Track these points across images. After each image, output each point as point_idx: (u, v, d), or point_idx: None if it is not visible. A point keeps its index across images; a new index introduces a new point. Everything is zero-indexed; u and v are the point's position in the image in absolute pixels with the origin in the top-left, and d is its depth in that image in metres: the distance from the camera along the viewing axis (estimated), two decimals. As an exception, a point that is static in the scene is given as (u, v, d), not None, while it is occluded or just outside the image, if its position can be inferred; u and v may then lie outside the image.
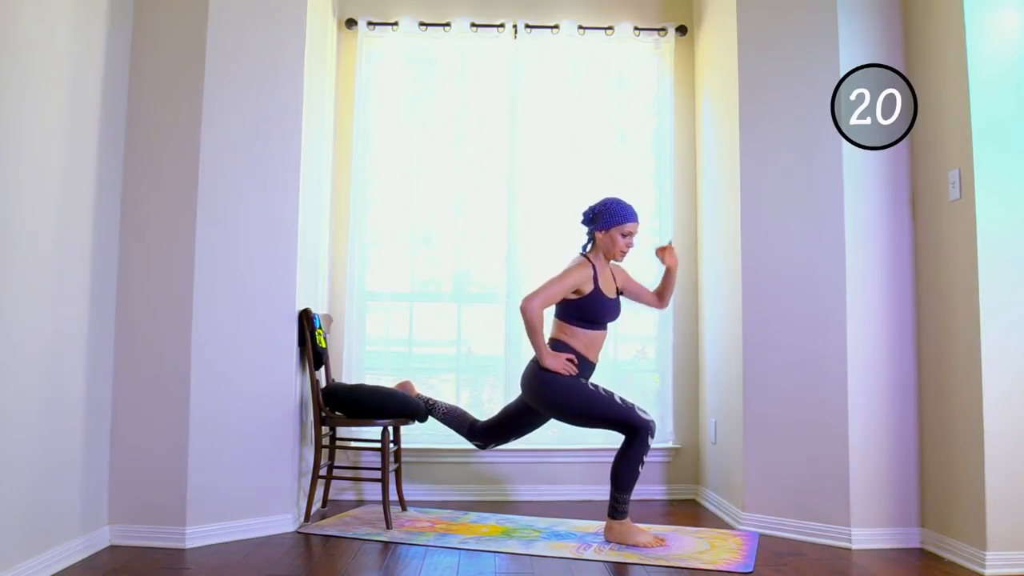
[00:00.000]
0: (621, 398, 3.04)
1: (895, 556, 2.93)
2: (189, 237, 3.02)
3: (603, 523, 3.35)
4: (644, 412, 3.02)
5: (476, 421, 3.41)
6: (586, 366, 3.14)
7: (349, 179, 4.09)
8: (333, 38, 4.04)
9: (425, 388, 3.91)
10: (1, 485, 2.30)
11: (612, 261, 3.23)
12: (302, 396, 3.36)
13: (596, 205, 3.21)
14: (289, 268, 3.25)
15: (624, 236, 3.15)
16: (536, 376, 3.10)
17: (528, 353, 3.23)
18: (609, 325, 3.21)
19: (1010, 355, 2.72)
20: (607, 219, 3.14)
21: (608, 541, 3.02)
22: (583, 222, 3.24)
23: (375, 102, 4.19)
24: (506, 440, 3.39)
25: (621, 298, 3.26)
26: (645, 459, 3.02)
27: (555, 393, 3.06)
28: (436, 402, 3.48)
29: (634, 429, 2.98)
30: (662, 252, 3.28)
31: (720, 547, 2.99)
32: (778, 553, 2.95)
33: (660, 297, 3.35)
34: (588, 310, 3.10)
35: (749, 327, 3.36)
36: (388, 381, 3.77)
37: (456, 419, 3.43)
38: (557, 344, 3.13)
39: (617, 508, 3.02)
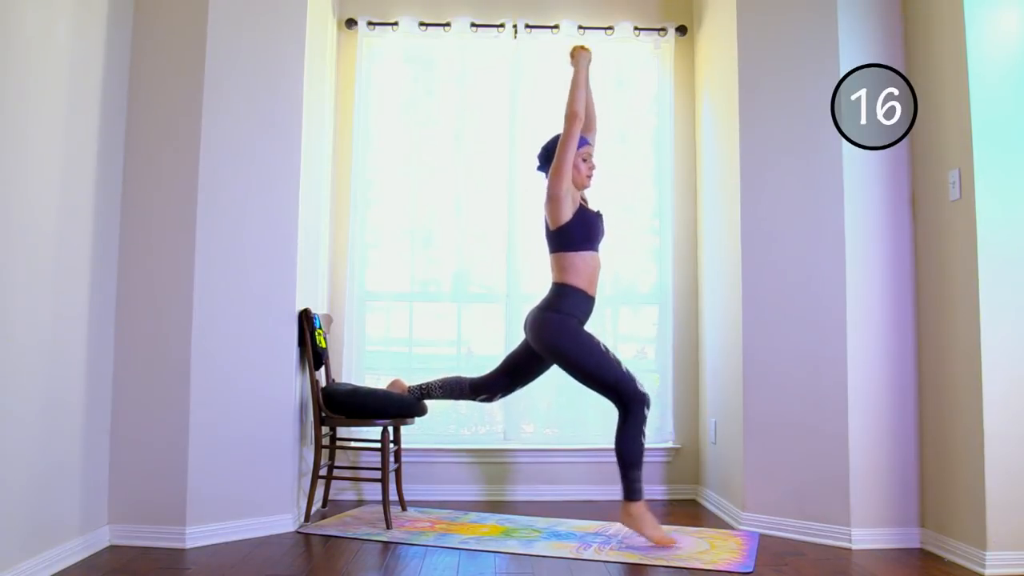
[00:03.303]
0: (627, 368, 3.04)
1: (895, 556, 2.93)
2: (189, 237, 3.02)
3: (603, 523, 3.36)
4: (643, 386, 3.03)
5: (473, 379, 3.40)
6: (588, 302, 3.13)
7: (349, 179, 4.09)
8: (333, 38, 4.05)
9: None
10: (1, 485, 2.30)
11: (581, 191, 3.22)
12: (302, 396, 3.36)
13: (547, 143, 3.24)
14: (289, 268, 3.25)
15: (584, 161, 3.17)
16: (545, 324, 3.09)
17: (528, 304, 3.25)
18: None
19: (1010, 355, 2.72)
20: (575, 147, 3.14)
21: (624, 524, 3.01)
22: (540, 166, 3.26)
23: (375, 102, 4.19)
24: (510, 389, 3.38)
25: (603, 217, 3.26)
26: (645, 430, 3.01)
27: (562, 342, 3.05)
28: (428, 385, 3.44)
29: (629, 399, 2.99)
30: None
31: (720, 547, 2.99)
32: (778, 553, 2.95)
33: (589, 121, 3.31)
34: (582, 227, 3.12)
35: (749, 327, 3.36)
36: (388, 381, 3.76)
37: (454, 389, 3.42)
38: (563, 288, 3.11)
39: (632, 488, 2.98)
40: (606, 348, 3.07)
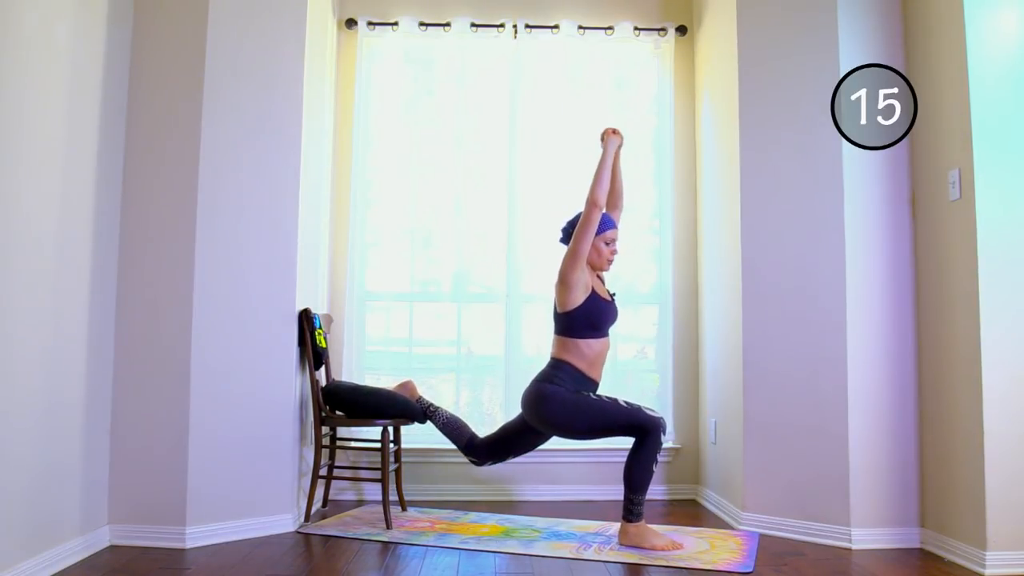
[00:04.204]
0: (626, 401, 3.01)
1: (895, 556, 2.93)
2: (189, 237, 3.02)
3: (603, 523, 3.35)
4: (651, 410, 2.99)
5: (475, 436, 3.36)
6: (587, 383, 3.08)
7: (349, 179, 4.09)
8: (333, 38, 4.04)
9: (425, 388, 3.91)
10: (1, 485, 2.30)
11: (599, 271, 3.19)
12: (302, 396, 3.36)
13: (572, 219, 3.19)
14: (289, 268, 3.25)
15: (607, 244, 3.13)
16: (537, 397, 3.06)
17: (530, 365, 3.20)
18: (610, 332, 3.17)
19: (1010, 355, 2.72)
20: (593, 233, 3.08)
21: (623, 545, 2.97)
22: (562, 239, 3.21)
23: (375, 102, 4.19)
24: (504, 459, 3.34)
25: (616, 301, 3.22)
26: (658, 457, 2.99)
27: (559, 413, 3.02)
28: (437, 409, 3.43)
29: (644, 429, 2.95)
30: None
31: (720, 547, 2.99)
32: (778, 553, 2.95)
33: (615, 199, 3.28)
34: (590, 315, 3.06)
35: (749, 327, 3.36)
36: (388, 381, 3.76)
37: (455, 430, 3.38)
38: (560, 363, 3.07)
39: (632, 510, 2.97)
40: (599, 396, 3.03)
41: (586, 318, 3.06)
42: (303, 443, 3.38)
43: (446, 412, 3.44)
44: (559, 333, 3.12)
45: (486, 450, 3.31)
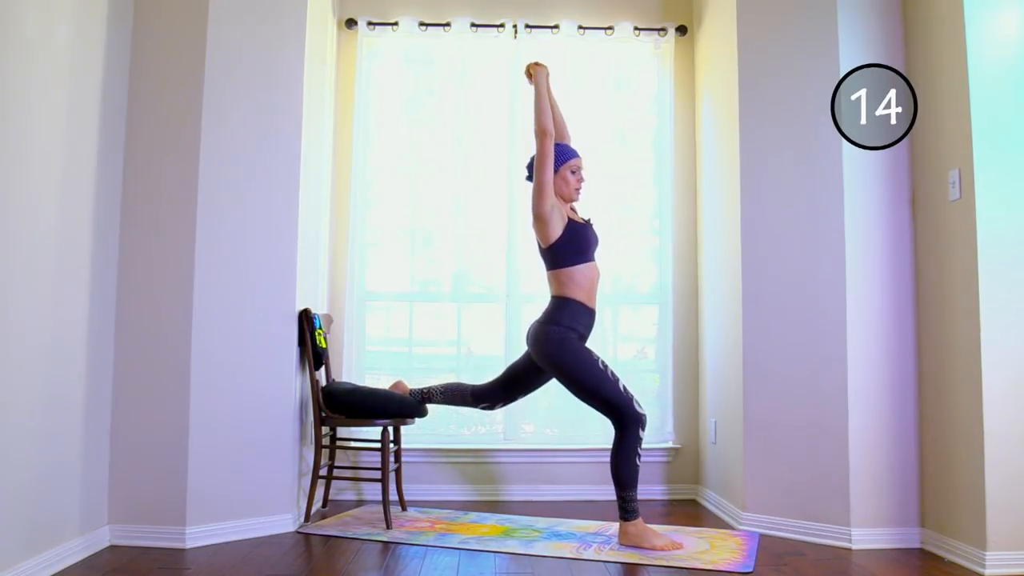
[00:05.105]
0: (624, 386, 3.03)
1: (895, 556, 2.93)
2: (189, 237, 3.02)
3: (603, 523, 3.35)
4: (640, 406, 3.01)
5: (476, 386, 3.43)
6: (588, 315, 3.13)
7: (349, 179, 4.09)
8: (333, 38, 4.05)
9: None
10: (1, 484, 2.30)
11: (569, 203, 3.23)
12: (302, 396, 3.36)
13: (533, 157, 3.23)
14: (289, 268, 3.25)
15: (573, 173, 3.19)
16: (544, 338, 3.09)
17: (529, 320, 3.24)
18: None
19: (1010, 355, 2.72)
20: (553, 162, 3.14)
21: (623, 545, 2.98)
22: (529, 177, 3.25)
23: (375, 102, 4.19)
24: (512, 398, 3.40)
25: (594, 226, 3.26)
26: (641, 452, 3.00)
27: (563, 358, 3.06)
28: (430, 389, 3.47)
29: (626, 419, 2.97)
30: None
31: (720, 547, 2.99)
32: (778, 553, 2.95)
33: (560, 131, 3.34)
34: (573, 241, 3.11)
35: (749, 327, 3.36)
36: (388, 381, 3.76)
37: (456, 394, 3.44)
38: (563, 301, 3.11)
39: (626, 508, 2.98)
40: (605, 365, 3.05)
41: (570, 245, 3.11)
42: (303, 443, 3.38)
43: (438, 386, 3.48)
44: (551, 268, 3.17)
45: (494, 393, 3.38)
